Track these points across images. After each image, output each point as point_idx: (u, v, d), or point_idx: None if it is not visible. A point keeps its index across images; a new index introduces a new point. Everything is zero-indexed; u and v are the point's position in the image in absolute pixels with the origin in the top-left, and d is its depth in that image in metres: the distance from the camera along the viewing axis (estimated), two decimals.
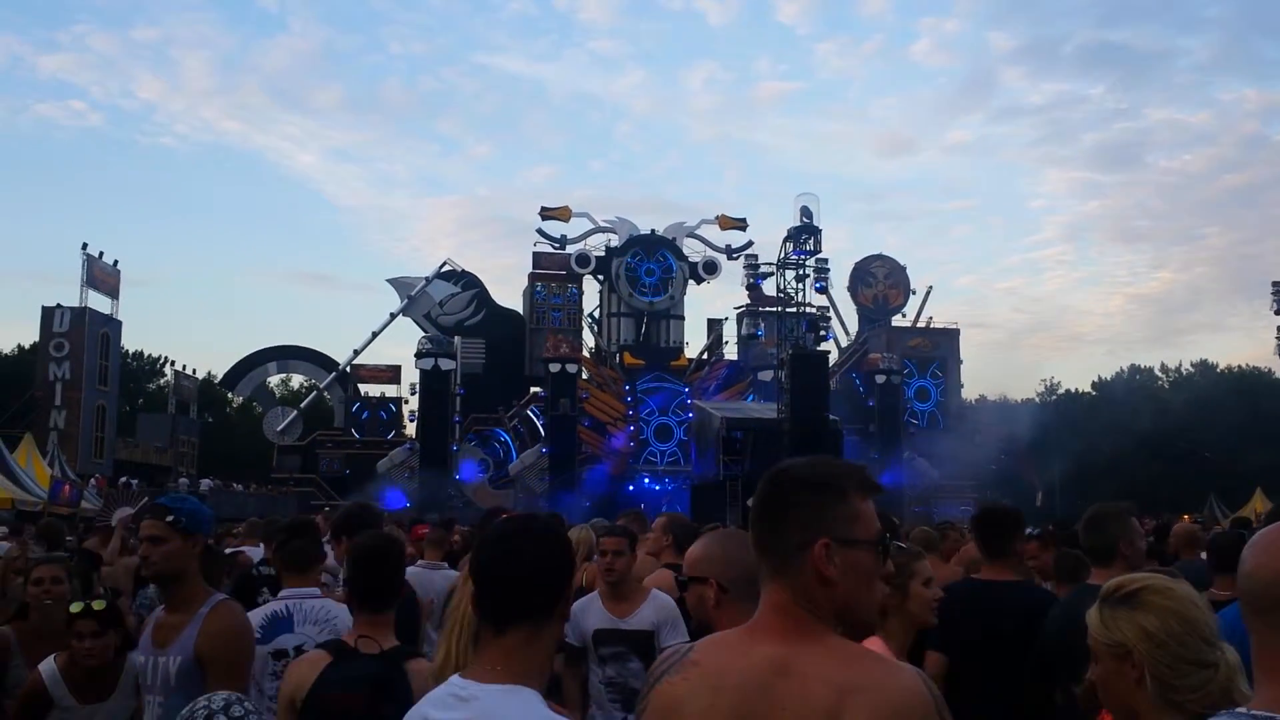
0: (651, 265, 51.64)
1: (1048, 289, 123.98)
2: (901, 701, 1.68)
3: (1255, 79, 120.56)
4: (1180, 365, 73.80)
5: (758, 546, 1.85)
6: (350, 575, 3.51)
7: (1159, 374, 73.31)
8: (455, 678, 2.06)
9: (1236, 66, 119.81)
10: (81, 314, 43.74)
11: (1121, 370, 73.91)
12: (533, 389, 49.79)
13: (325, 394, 54.54)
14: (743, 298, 51.28)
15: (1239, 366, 69.78)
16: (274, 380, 60.87)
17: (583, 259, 51.73)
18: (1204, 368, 71.88)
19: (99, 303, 45.19)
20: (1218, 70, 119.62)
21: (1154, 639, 2.11)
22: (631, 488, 44.80)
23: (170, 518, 3.57)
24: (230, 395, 61.97)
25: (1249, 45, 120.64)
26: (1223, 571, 5.38)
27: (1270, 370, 62.96)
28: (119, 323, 46.84)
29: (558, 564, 2.10)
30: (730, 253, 52.77)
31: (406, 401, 51.34)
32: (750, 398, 48.54)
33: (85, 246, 44.28)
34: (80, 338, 43.41)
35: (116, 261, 46.57)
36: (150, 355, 68.81)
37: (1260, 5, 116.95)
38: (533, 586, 2.04)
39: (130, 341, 63.13)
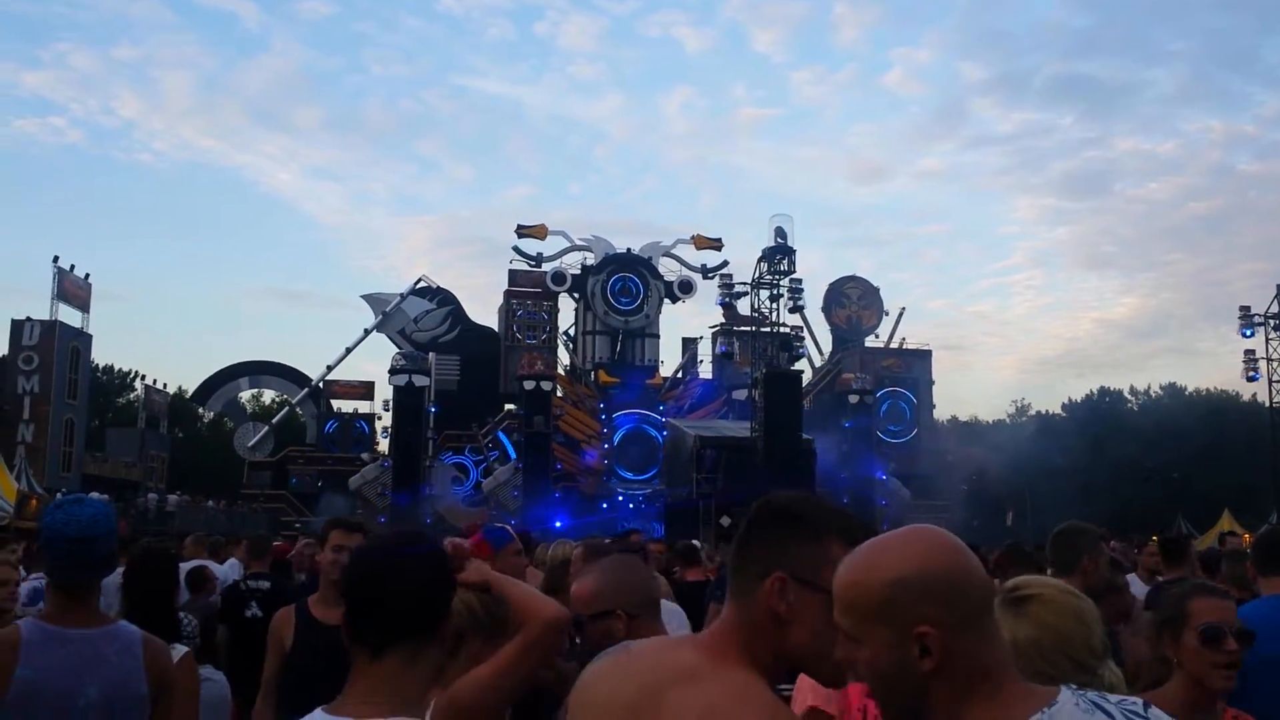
0: (627, 284, 51.72)
1: (1017, 313, 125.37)
2: None
3: (1219, 110, 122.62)
4: (1149, 388, 74.70)
5: (729, 567, 1.74)
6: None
7: (1128, 396, 74.04)
8: (319, 712, 1.83)
9: (1201, 98, 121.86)
10: (51, 327, 43.29)
11: (1091, 393, 74.64)
12: (507, 406, 49.64)
13: (297, 410, 54.19)
14: (718, 317, 51.46)
15: (1207, 390, 70.60)
16: (246, 396, 60.46)
17: (558, 277, 51.75)
18: (1172, 391, 72.66)
19: (69, 316, 44.85)
20: (1183, 102, 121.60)
21: (1018, 647, 2.08)
22: (605, 505, 44.75)
23: None
24: (201, 410, 61.49)
25: (1212, 78, 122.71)
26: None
27: (1237, 394, 63.91)
28: (89, 336, 46.39)
29: (441, 581, 1.98)
30: (705, 272, 52.86)
31: (380, 418, 51.21)
32: (726, 415, 48.61)
33: (56, 260, 44.04)
34: (50, 351, 42.95)
35: (88, 275, 46.20)
36: (121, 369, 68.26)
37: (1222, 40, 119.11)
38: (416, 604, 1.89)
39: (101, 356, 62.82)
